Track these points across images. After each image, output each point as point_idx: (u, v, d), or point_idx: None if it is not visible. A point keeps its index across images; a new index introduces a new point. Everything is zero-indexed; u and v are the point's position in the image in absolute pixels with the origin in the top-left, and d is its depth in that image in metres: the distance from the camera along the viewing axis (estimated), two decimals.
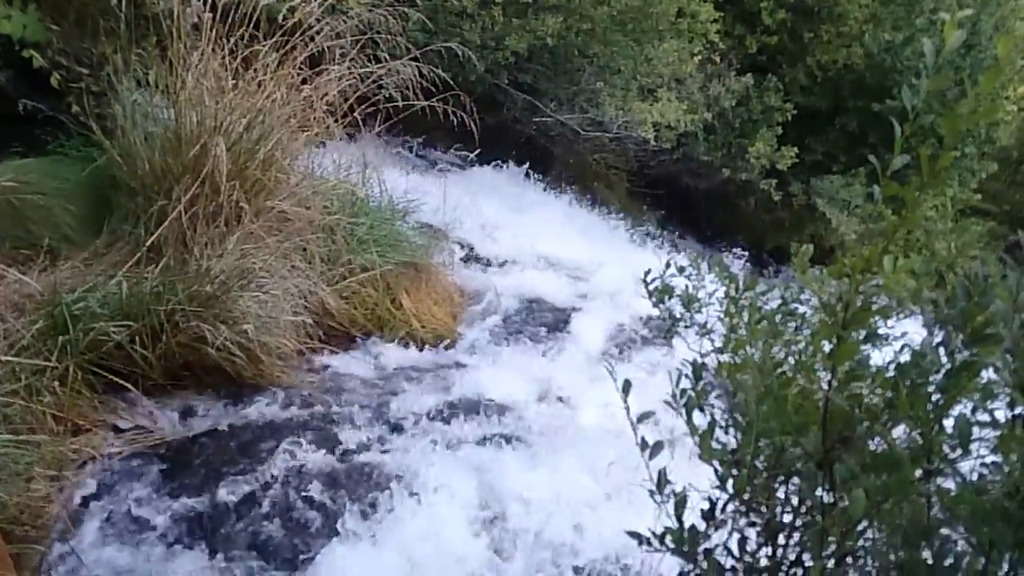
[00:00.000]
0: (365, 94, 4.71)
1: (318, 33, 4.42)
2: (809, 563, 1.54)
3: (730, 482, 1.64)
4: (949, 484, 1.40)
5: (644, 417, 1.72)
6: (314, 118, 4.48)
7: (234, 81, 4.12)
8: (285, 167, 4.33)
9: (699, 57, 8.60)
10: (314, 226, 4.41)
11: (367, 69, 4.64)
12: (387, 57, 4.75)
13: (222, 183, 3.82)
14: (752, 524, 1.68)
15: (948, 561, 1.33)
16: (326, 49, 4.53)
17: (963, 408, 1.38)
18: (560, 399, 4.63)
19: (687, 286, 2.43)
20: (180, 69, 4.04)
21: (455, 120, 4.96)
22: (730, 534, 1.68)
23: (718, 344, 2.12)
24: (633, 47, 7.98)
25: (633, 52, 8.01)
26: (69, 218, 4.02)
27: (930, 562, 1.35)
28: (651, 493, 1.67)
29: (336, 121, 4.60)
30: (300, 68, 4.39)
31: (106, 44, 4.15)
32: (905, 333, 1.96)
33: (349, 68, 4.57)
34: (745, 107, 9.41)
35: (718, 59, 9.20)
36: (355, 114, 4.67)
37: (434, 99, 4.85)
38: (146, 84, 4.16)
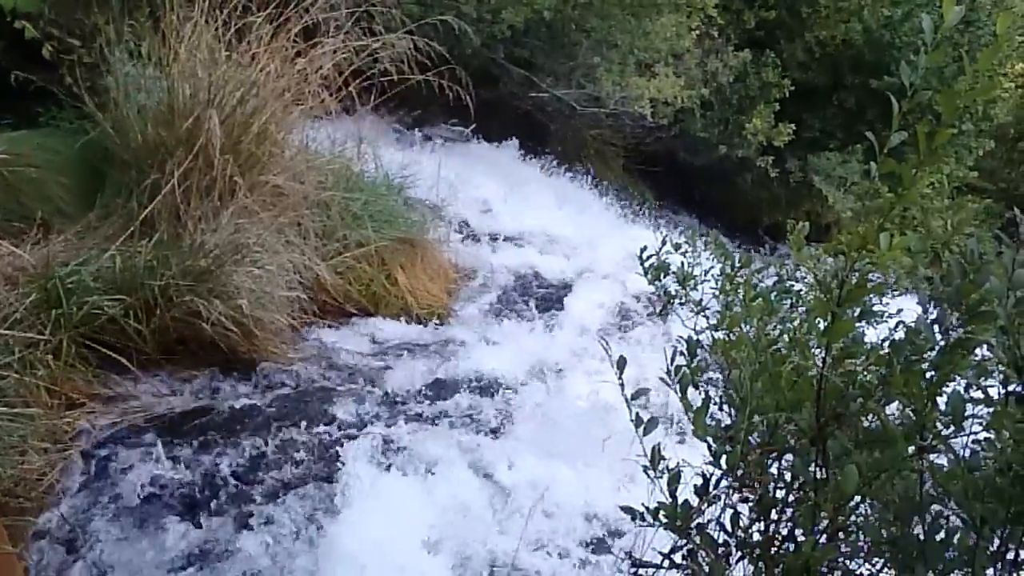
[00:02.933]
0: (360, 67, 4.66)
1: (312, 5, 4.37)
2: (801, 538, 1.55)
3: (723, 458, 1.64)
4: (942, 461, 1.41)
5: (639, 394, 1.72)
6: (308, 92, 4.43)
7: (227, 53, 4.07)
8: (279, 141, 4.30)
9: (697, 32, 8.53)
10: (309, 201, 4.38)
11: (362, 42, 4.59)
12: (382, 30, 4.70)
13: (216, 157, 3.78)
14: (745, 500, 1.69)
15: (939, 537, 1.34)
16: (320, 21, 4.47)
17: (957, 385, 1.39)
18: (554, 375, 4.64)
19: (683, 263, 2.42)
20: (173, 40, 3.99)
21: (451, 95, 4.91)
22: (723, 510, 1.69)
23: (713, 321, 2.13)
24: (631, 21, 7.91)
25: (631, 26, 7.94)
26: (62, 191, 3.99)
27: (922, 538, 1.36)
28: (645, 469, 1.68)
29: (331, 95, 4.55)
30: (294, 40, 4.34)
31: (98, 15, 4.10)
32: (900, 310, 1.96)
33: (344, 41, 4.52)
34: (743, 83, 9.35)
35: (716, 34, 9.13)
36: (350, 88, 4.62)
37: (430, 73, 4.80)
38: (139, 56, 4.11)
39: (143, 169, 3.89)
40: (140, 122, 3.96)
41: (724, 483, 1.69)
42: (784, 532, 1.63)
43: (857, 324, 1.50)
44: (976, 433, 1.38)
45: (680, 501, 1.65)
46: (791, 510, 1.63)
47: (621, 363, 1.78)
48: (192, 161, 3.80)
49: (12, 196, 3.81)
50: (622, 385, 1.75)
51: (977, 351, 1.38)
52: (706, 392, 1.78)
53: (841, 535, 1.52)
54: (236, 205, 3.88)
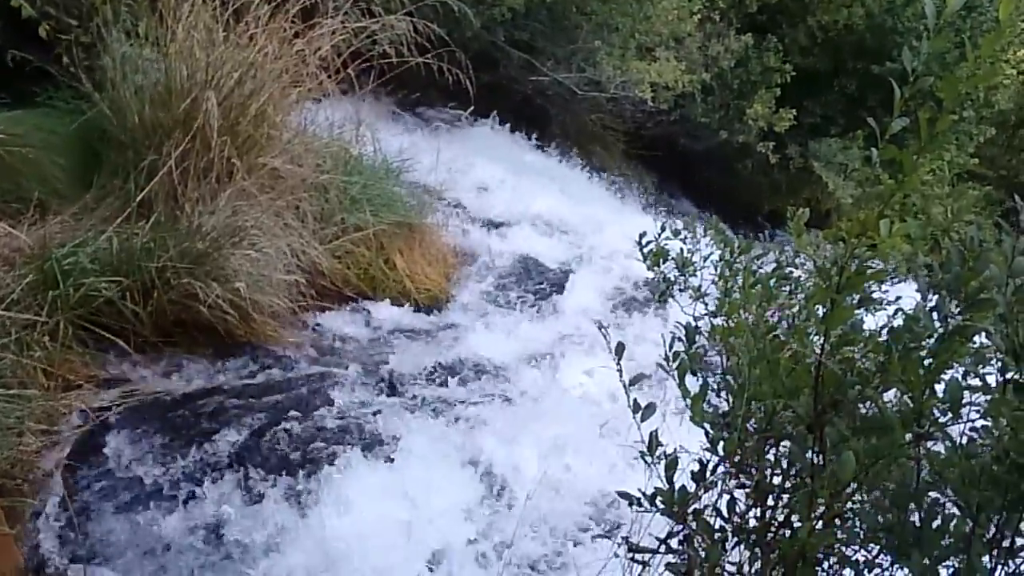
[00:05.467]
0: (359, 49, 4.63)
1: None
2: (798, 525, 1.55)
3: (721, 444, 1.64)
4: (939, 448, 1.41)
5: (636, 380, 1.72)
6: (307, 73, 4.41)
7: (225, 33, 4.05)
8: (277, 123, 4.27)
9: (698, 15, 8.48)
10: (307, 184, 4.37)
11: (361, 24, 4.56)
12: (381, 11, 4.67)
13: (213, 138, 3.77)
14: (742, 486, 1.69)
15: (936, 524, 1.34)
16: (319, 2, 4.45)
17: (955, 373, 1.38)
18: (552, 360, 4.64)
19: (682, 249, 2.42)
20: (170, 20, 3.96)
21: (450, 78, 4.89)
22: (720, 496, 1.70)
23: (712, 308, 2.12)
24: (632, 4, 7.87)
25: (632, 9, 7.90)
26: (58, 171, 3.97)
27: (918, 525, 1.36)
28: (642, 455, 1.67)
29: (329, 77, 4.53)
30: (292, 21, 4.31)
31: None
32: (899, 297, 1.96)
33: (342, 22, 4.49)
34: (744, 68, 9.32)
35: (718, 18, 9.08)
36: (348, 70, 4.60)
37: (429, 55, 4.78)
38: (136, 35, 4.08)
39: (140, 150, 3.88)
40: (137, 103, 3.94)
41: (721, 469, 1.69)
42: (781, 518, 1.63)
43: (856, 311, 1.50)
44: (973, 421, 1.38)
45: (677, 487, 1.65)
46: (788, 496, 1.63)
47: (619, 349, 1.78)
48: (189, 143, 3.78)
49: (9, 176, 3.78)
50: (620, 371, 1.75)
51: (975, 339, 1.38)
52: (704, 378, 1.77)
53: (837, 521, 1.52)
54: (234, 187, 3.86)
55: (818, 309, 1.54)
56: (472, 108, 6.25)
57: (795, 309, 2.00)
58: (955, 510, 1.34)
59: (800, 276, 2.28)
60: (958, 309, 1.35)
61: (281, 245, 4.01)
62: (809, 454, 1.54)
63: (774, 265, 2.28)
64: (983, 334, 1.35)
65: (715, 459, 1.68)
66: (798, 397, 1.56)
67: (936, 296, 1.39)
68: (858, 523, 1.50)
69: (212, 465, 3.14)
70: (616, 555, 1.96)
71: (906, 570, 1.37)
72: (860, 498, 1.51)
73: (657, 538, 1.73)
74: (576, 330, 5.11)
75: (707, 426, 1.67)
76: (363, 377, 3.98)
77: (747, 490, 1.68)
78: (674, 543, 1.70)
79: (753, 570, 1.60)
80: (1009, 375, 1.31)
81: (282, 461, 3.26)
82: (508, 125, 8.41)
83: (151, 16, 4.03)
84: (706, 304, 2.24)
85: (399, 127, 7.07)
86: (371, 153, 5.33)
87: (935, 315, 1.37)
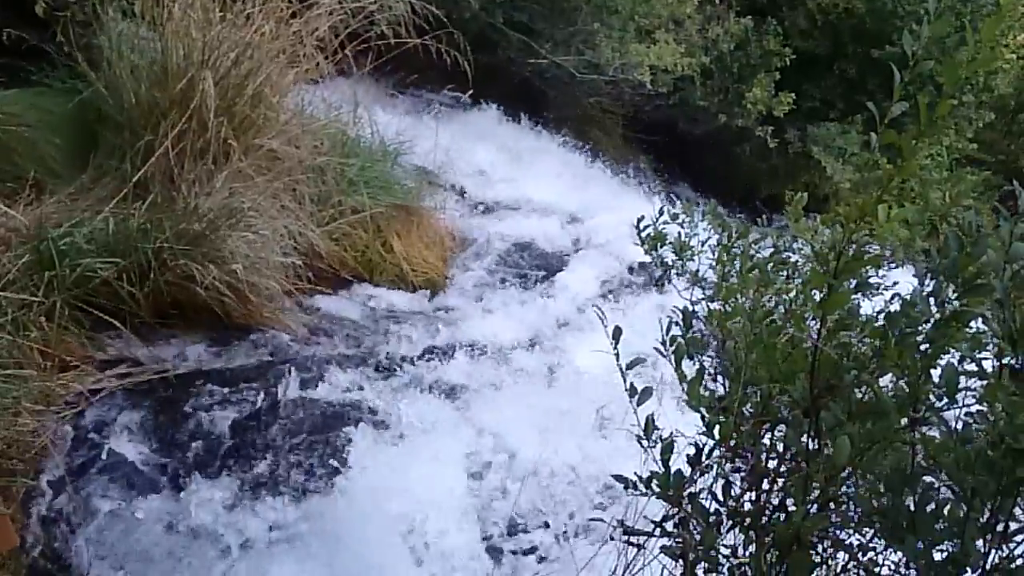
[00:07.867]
0: (356, 30, 4.60)
1: None
2: (792, 508, 1.56)
3: (717, 428, 1.65)
4: (934, 433, 1.41)
5: (634, 364, 1.72)
6: (304, 54, 4.38)
7: (221, 13, 4.02)
8: (274, 104, 4.25)
9: None
10: (304, 166, 4.35)
11: (358, 4, 4.53)
12: None
13: (210, 119, 3.75)
14: (737, 470, 1.70)
15: (930, 508, 1.35)
16: None
17: (951, 358, 1.38)
18: (549, 343, 4.65)
19: (680, 234, 2.41)
20: None
21: (448, 59, 4.86)
22: (715, 479, 1.70)
23: (709, 292, 2.12)
24: None
25: None
26: (54, 151, 3.95)
27: (912, 509, 1.36)
28: (638, 438, 1.68)
29: (326, 58, 4.50)
30: (289, 1, 4.28)
31: None
32: (896, 283, 1.96)
33: (340, 2, 4.46)
34: (743, 51, 9.25)
35: (718, 0, 9.02)
36: (346, 51, 4.57)
37: (427, 37, 4.75)
38: (132, 14, 4.05)
39: (136, 130, 3.86)
40: (133, 82, 3.92)
41: (717, 453, 1.70)
42: (775, 502, 1.64)
43: (853, 296, 1.49)
44: (969, 406, 1.38)
45: (672, 470, 1.65)
46: (783, 480, 1.63)
47: (616, 333, 1.78)
48: (186, 123, 3.76)
49: (4, 156, 3.77)
50: (617, 355, 1.74)
51: (972, 324, 1.38)
52: (700, 362, 1.77)
53: (832, 505, 1.53)
54: (230, 169, 3.85)
55: (815, 294, 1.53)
56: (470, 90, 6.21)
57: (792, 294, 2.00)
58: (950, 495, 1.35)
59: (797, 261, 2.28)
60: (955, 294, 1.34)
61: (278, 227, 4.00)
62: (804, 438, 1.54)
63: (772, 250, 2.28)
64: (980, 319, 1.35)
65: (711, 443, 1.68)
66: (794, 382, 1.56)
67: (933, 281, 1.38)
68: (853, 507, 1.51)
69: (209, 446, 3.15)
70: (612, 538, 1.97)
71: (900, 554, 1.37)
72: (855, 482, 1.51)
73: (652, 521, 1.74)
74: (573, 313, 5.11)
75: (703, 410, 1.67)
76: (360, 359, 3.99)
77: (742, 474, 1.69)
78: (669, 526, 1.70)
79: (748, 553, 1.60)
80: (1005, 360, 1.31)
81: (280, 442, 3.27)
82: (506, 108, 8.36)
83: None
84: (703, 288, 2.24)
85: (397, 109, 7.03)
86: (369, 135, 5.30)
87: (932, 300, 1.37)
